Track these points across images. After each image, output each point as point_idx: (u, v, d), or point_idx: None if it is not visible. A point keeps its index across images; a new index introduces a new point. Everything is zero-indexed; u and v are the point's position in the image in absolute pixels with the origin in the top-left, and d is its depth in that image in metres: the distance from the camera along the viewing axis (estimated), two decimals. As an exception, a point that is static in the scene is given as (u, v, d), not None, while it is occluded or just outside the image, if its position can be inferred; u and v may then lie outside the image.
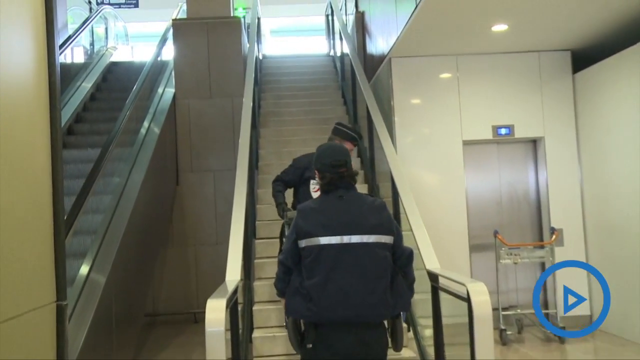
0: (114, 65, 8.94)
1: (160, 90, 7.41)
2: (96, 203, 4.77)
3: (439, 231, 5.72)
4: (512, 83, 6.50)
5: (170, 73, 7.75)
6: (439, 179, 6.41)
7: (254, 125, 6.31)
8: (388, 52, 6.43)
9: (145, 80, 6.29)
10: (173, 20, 7.79)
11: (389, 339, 2.80)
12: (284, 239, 3.85)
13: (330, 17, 10.40)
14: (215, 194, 7.20)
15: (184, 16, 8.04)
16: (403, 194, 4.36)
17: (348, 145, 4.49)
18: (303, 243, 2.70)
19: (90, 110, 7.35)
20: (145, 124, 6.42)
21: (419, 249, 3.79)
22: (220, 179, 7.18)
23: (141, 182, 5.34)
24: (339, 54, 8.84)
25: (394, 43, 6.02)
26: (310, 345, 2.67)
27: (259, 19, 9.22)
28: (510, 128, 6.47)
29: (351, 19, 9.36)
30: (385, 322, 2.79)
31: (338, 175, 2.79)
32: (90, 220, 4.60)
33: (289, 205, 4.49)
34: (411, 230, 3.98)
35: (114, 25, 10.28)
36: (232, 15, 7.84)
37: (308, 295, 2.64)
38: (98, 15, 8.97)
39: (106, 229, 4.54)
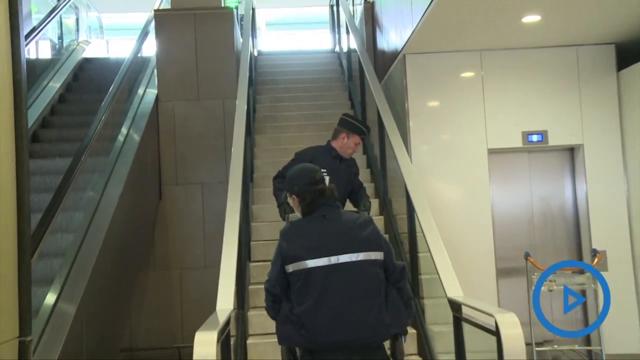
0: (86, 61, 8.98)
1: (140, 91, 7.43)
2: (66, 221, 4.76)
3: (461, 253, 5.70)
4: (546, 82, 6.50)
5: (153, 71, 7.77)
6: (460, 193, 6.39)
7: (249, 132, 6.33)
8: (402, 48, 6.46)
9: (123, 80, 6.31)
10: (155, 10, 7.82)
11: None
12: None
13: (335, 8, 10.46)
14: (204, 210, 7.19)
15: (168, 6, 8.08)
16: (419, 209, 4.37)
17: (355, 139, 4.57)
18: (290, 268, 2.88)
19: (59, 114, 7.37)
20: (123, 129, 6.44)
21: (438, 274, 3.79)
22: (210, 192, 7.18)
23: (118, 196, 5.34)
24: (345, 49, 8.88)
25: (409, 37, 6.04)
26: None
27: (253, 9, 9.28)
28: (543, 134, 6.46)
29: (359, 9, 9.41)
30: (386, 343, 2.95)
31: (319, 193, 3.01)
32: (59, 240, 4.60)
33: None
34: (429, 251, 3.98)
35: (86, 16, 10.34)
36: (223, 5, 7.88)
37: (299, 321, 2.79)
38: (67, 4, 9.00)
39: (77, 251, 4.53)
